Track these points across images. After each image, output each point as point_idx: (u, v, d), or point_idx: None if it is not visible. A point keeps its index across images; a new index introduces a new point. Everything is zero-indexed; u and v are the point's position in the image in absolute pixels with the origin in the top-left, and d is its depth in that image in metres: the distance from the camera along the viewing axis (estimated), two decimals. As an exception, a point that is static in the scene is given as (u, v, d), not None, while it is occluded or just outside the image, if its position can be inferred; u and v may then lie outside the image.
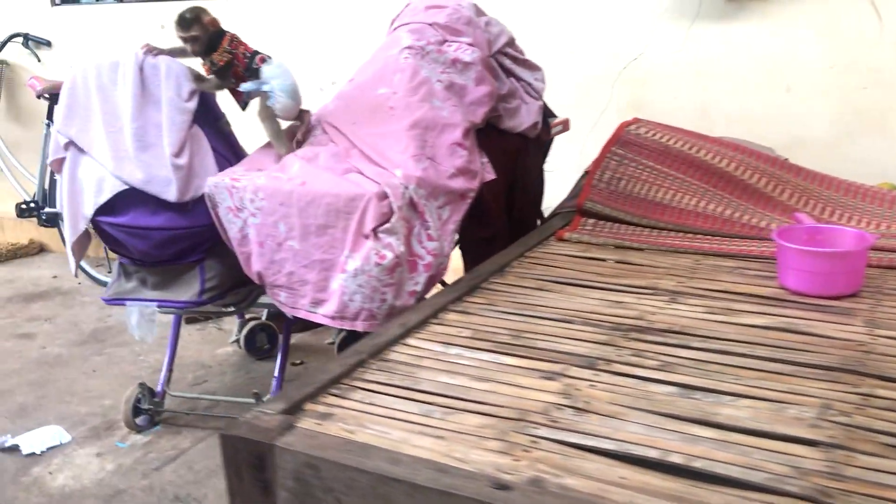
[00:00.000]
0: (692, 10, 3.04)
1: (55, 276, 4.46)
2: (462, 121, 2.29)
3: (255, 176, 2.20)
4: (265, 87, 2.39)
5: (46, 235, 4.80)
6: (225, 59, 2.37)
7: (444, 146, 2.24)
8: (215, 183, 2.24)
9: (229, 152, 2.55)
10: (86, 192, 2.41)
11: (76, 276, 2.57)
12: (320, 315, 2.17)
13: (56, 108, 2.49)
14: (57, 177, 2.52)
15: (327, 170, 2.18)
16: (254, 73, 2.40)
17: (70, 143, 2.43)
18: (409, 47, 2.38)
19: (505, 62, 2.57)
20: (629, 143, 2.54)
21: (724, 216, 2.36)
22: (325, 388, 1.43)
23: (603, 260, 2.19)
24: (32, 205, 4.32)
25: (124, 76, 2.41)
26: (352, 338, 3.20)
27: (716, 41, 3.03)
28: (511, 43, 2.62)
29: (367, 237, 2.04)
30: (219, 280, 2.54)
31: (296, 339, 3.58)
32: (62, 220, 2.46)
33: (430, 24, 2.46)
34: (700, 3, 3.02)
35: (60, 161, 2.48)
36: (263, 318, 3.35)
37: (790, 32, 2.90)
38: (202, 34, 2.35)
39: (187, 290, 2.50)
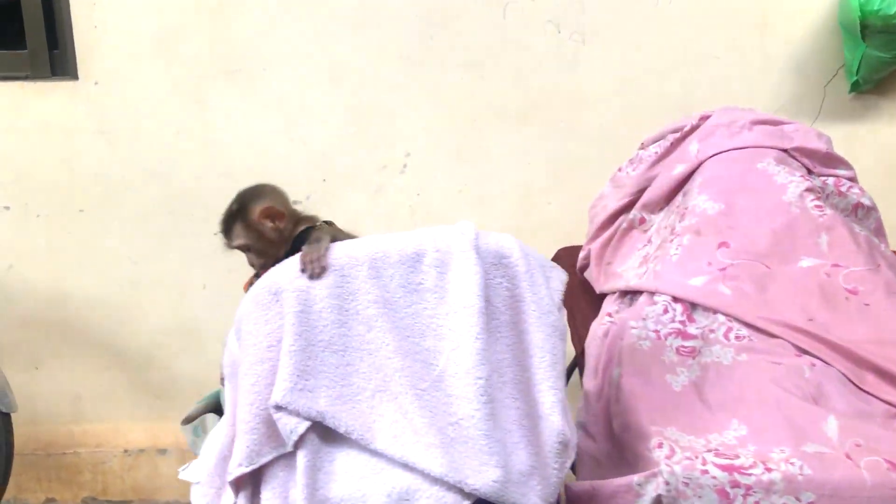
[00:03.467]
0: (813, 108, 2.57)
1: None
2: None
3: (761, 448, 1.18)
4: None
5: None
6: None
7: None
8: (686, 476, 1.17)
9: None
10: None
11: None
12: None
13: (238, 359, 1.13)
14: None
15: (862, 418, 1.26)
16: None
17: (311, 429, 1.13)
18: (809, 189, 1.54)
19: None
20: None
21: None
22: None
23: None
24: None
25: (453, 276, 1.19)
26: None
27: (839, 140, 2.60)
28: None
29: None
30: None
31: None
32: None
33: (784, 150, 1.63)
34: (823, 99, 2.56)
35: (250, 475, 1.15)
36: None
37: (920, 130, 2.59)
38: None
39: None
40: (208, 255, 2.57)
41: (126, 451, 2.72)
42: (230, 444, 1.26)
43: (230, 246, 1.49)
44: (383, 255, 1.23)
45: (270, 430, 1.17)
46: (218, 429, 1.37)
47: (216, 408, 1.67)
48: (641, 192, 1.76)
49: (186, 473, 1.36)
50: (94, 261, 2.62)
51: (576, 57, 2.51)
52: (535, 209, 2.59)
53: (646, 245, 1.70)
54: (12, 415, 2.38)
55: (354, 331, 1.21)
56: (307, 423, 1.15)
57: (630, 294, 1.62)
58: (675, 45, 2.52)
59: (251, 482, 1.19)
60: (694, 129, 1.75)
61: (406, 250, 1.24)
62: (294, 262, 1.24)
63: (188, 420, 1.69)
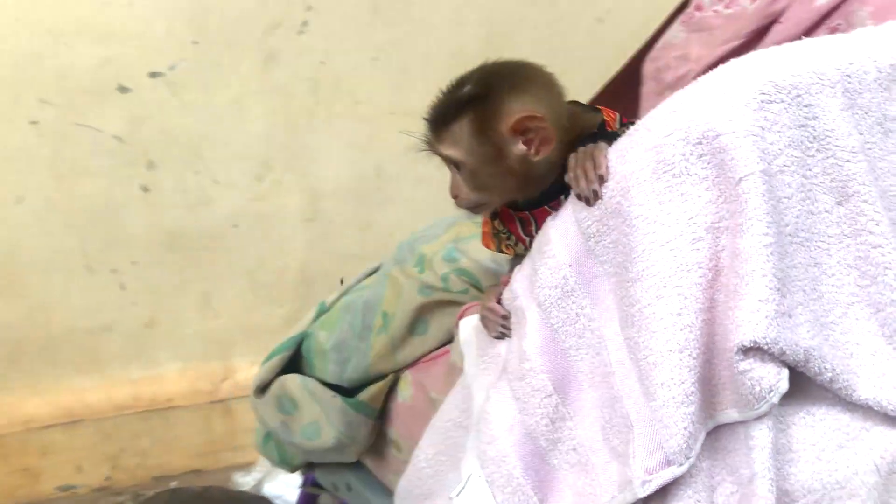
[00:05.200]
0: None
1: None
2: None
3: None
4: None
5: None
6: None
7: None
8: None
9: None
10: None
11: None
12: None
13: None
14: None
15: None
16: None
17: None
18: None
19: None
20: None
21: None
22: None
23: None
24: None
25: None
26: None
27: None
28: None
29: None
30: None
31: None
32: None
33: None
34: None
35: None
36: None
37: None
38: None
39: None
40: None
41: None
42: (552, 427, 0.71)
43: (433, 150, 0.86)
44: (859, 69, 0.74)
45: (706, 393, 0.68)
46: (501, 403, 0.77)
47: (293, 366, 1.05)
48: (759, 32, 1.37)
49: (466, 498, 0.76)
50: None
51: None
52: (470, 81, 2.13)
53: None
54: None
55: (820, 203, 0.72)
56: (786, 372, 0.66)
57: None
58: None
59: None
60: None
61: (882, 60, 0.75)
62: (732, 85, 0.67)
63: (263, 388, 1.05)
